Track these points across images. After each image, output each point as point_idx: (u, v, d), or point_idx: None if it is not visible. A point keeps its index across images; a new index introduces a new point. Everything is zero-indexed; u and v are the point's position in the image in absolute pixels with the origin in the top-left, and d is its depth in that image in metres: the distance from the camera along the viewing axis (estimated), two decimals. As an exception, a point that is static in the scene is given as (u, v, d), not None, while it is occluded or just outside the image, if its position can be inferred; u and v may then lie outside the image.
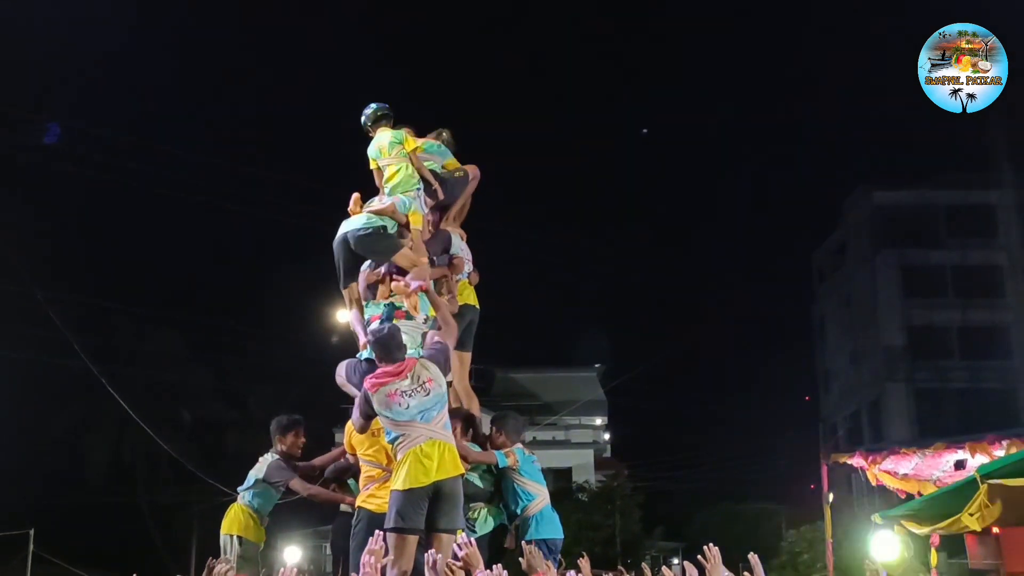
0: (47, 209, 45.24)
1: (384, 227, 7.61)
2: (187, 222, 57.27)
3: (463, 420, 7.79)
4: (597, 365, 48.94)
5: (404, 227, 7.73)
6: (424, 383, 6.58)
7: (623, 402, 46.67)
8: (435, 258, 8.07)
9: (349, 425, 7.23)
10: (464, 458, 7.41)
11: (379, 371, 6.71)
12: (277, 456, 7.71)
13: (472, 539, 7.07)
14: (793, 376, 58.37)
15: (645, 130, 51.65)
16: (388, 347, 6.68)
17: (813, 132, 79.78)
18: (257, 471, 7.67)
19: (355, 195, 7.98)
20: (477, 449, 7.72)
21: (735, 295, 64.75)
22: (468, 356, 8.40)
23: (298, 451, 7.86)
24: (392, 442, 6.59)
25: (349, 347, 8.20)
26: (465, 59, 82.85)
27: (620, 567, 7.07)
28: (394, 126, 8.28)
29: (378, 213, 7.64)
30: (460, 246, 8.44)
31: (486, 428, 8.21)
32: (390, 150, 8.04)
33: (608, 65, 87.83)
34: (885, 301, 42.96)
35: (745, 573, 6.32)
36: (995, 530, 12.67)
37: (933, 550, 14.36)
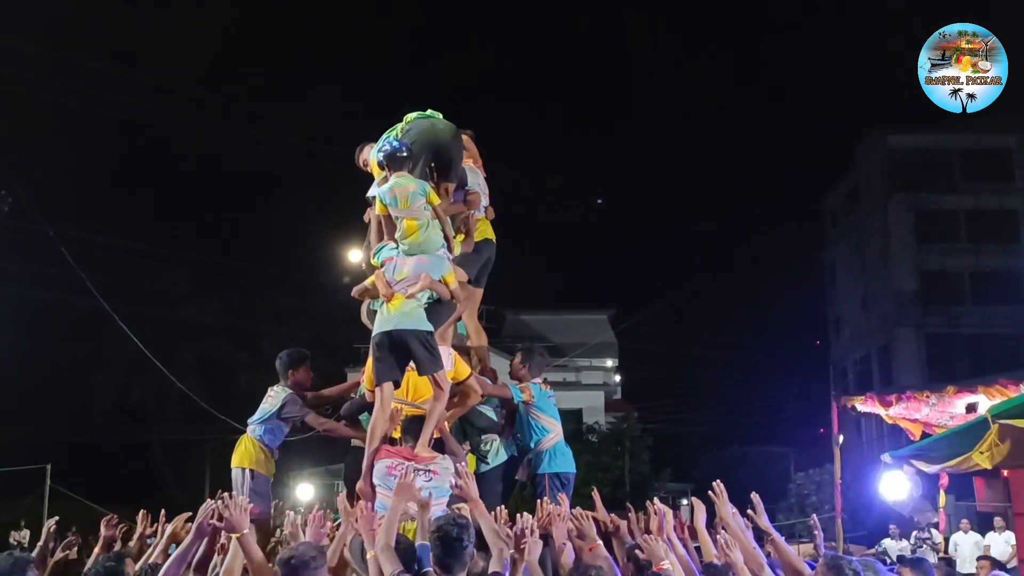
0: (58, 147, 45.20)
1: (431, 332, 6.94)
2: (200, 160, 57.08)
3: (472, 356, 7.80)
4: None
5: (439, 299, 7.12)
6: (430, 471, 6.59)
7: (634, 345, 46.84)
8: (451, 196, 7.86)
9: (369, 362, 7.28)
10: (479, 391, 7.49)
11: (396, 448, 6.75)
12: (291, 391, 7.61)
13: (482, 470, 7.18)
14: (803, 321, 58.33)
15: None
16: None
17: (827, 74, 78.94)
18: (271, 405, 7.55)
19: (379, 275, 7.13)
20: (490, 383, 7.77)
21: (747, 238, 64.67)
22: (479, 292, 8.37)
23: (308, 383, 7.82)
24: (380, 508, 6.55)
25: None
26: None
27: (628, 504, 7.09)
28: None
29: (416, 294, 6.94)
30: (477, 181, 8.21)
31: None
32: (412, 201, 7.11)
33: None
34: (897, 246, 42.74)
35: (748, 511, 6.36)
36: (1004, 473, 12.74)
37: (942, 491, 14.44)
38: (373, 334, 7.04)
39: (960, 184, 41.78)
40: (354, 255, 22.18)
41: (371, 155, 7.89)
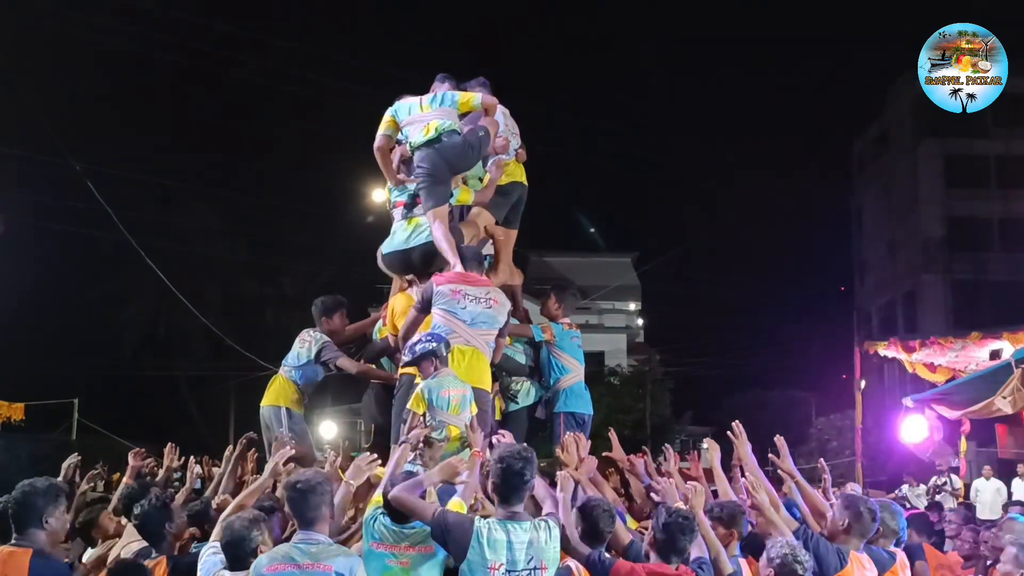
0: (86, 81, 45.15)
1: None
2: (226, 96, 56.91)
3: (507, 295, 7.82)
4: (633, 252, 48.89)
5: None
6: (490, 299, 6.85)
7: (657, 288, 46.79)
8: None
9: (391, 302, 7.34)
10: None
11: (454, 273, 6.91)
12: (327, 338, 7.59)
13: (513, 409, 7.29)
14: (828, 266, 57.92)
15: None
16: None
17: (857, 15, 77.64)
18: (308, 350, 7.52)
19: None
20: (516, 323, 7.84)
21: (772, 182, 64.17)
22: (514, 233, 8.38)
23: (343, 331, 7.83)
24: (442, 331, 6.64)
25: (384, 225, 8.18)
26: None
27: (645, 448, 7.16)
28: None
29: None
30: (504, 123, 8.12)
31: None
32: (462, 409, 6.30)
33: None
34: (926, 191, 42.32)
35: (770, 455, 6.38)
36: (1025, 418, 12.68)
37: (963, 438, 14.43)
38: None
39: (991, 129, 41.12)
40: (378, 194, 22.22)
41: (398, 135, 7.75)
